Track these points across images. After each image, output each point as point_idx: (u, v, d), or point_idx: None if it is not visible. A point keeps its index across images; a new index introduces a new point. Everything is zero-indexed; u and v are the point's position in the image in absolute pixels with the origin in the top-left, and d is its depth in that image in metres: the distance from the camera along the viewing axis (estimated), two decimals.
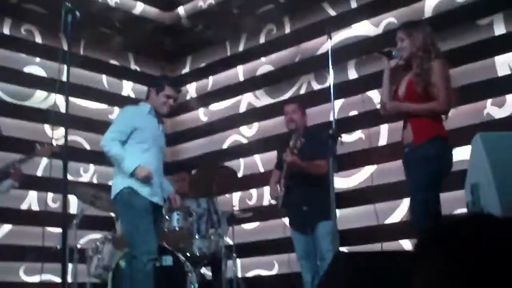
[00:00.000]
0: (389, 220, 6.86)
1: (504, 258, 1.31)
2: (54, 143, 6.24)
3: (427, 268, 1.40)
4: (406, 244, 6.63)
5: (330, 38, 4.59)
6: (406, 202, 6.76)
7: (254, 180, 8.03)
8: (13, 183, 6.17)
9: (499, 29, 6.47)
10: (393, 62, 4.83)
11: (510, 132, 4.77)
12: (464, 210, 4.43)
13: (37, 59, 8.07)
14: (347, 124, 7.14)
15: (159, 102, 5.69)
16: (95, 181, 8.21)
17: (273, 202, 6.61)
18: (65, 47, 7.44)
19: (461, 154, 6.28)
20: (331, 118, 5.09)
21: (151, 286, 5.25)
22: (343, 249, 6.57)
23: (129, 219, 5.43)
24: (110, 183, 8.30)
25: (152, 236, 5.37)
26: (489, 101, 6.40)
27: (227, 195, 7.90)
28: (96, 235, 7.23)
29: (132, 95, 9.13)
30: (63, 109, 4.99)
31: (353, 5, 7.72)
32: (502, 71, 6.37)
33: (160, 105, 5.70)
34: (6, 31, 7.94)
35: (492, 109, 6.37)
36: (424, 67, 4.69)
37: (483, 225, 1.43)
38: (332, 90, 4.45)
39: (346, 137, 6.16)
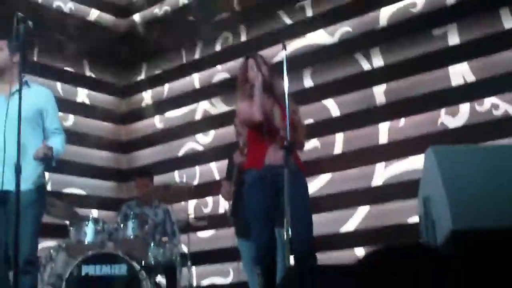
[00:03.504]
0: (343, 229, 6.90)
1: None
2: None
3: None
4: (361, 253, 6.68)
5: (285, 49, 4.55)
6: (360, 211, 6.82)
7: (210, 187, 8.01)
8: None
9: (453, 39, 6.57)
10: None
11: (462, 145, 4.84)
12: (417, 219, 4.48)
13: None
14: None
15: None
16: (49, 188, 8.09)
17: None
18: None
19: (415, 163, 6.39)
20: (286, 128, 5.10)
21: None
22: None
23: None
24: (64, 190, 8.34)
25: None
26: (443, 110, 6.49)
27: (182, 202, 7.88)
28: (50, 243, 7.13)
29: (87, 102, 9.06)
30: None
31: (309, 14, 7.76)
32: (455, 81, 6.47)
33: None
34: None
35: (446, 119, 6.46)
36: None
37: (422, 259, 1.49)
38: (286, 100, 4.44)
39: None
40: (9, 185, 4.53)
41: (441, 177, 3.11)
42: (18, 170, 4.26)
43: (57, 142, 4.89)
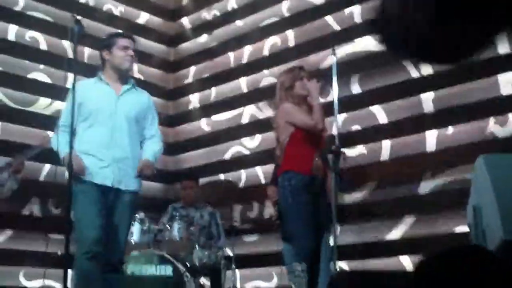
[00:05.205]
0: (389, 236, 6.86)
1: None
2: None
3: None
4: (406, 261, 6.64)
5: (335, 55, 4.62)
6: (407, 219, 6.78)
7: (255, 192, 8.03)
8: (12, 183, 5.72)
9: (503, 48, 6.49)
10: None
11: None
12: (465, 228, 4.44)
13: (41, 66, 8.09)
14: (349, 138, 7.12)
15: (116, 61, 4.96)
16: None
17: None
18: (71, 56, 7.55)
19: (463, 172, 6.32)
20: (334, 133, 5.16)
21: None
22: (342, 264, 6.60)
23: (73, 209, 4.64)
24: None
25: (91, 225, 4.59)
26: (492, 119, 6.41)
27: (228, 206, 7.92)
28: None
29: None
30: None
31: (357, 20, 7.74)
32: (505, 90, 6.40)
33: (119, 63, 4.98)
34: (11, 37, 7.96)
35: (495, 128, 6.39)
36: None
37: (478, 261, 1.48)
38: (336, 105, 4.46)
39: (348, 152, 6.18)
40: (120, 183, 4.80)
41: (492, 186, 3.09)
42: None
43: (155, 150, 5.16)
